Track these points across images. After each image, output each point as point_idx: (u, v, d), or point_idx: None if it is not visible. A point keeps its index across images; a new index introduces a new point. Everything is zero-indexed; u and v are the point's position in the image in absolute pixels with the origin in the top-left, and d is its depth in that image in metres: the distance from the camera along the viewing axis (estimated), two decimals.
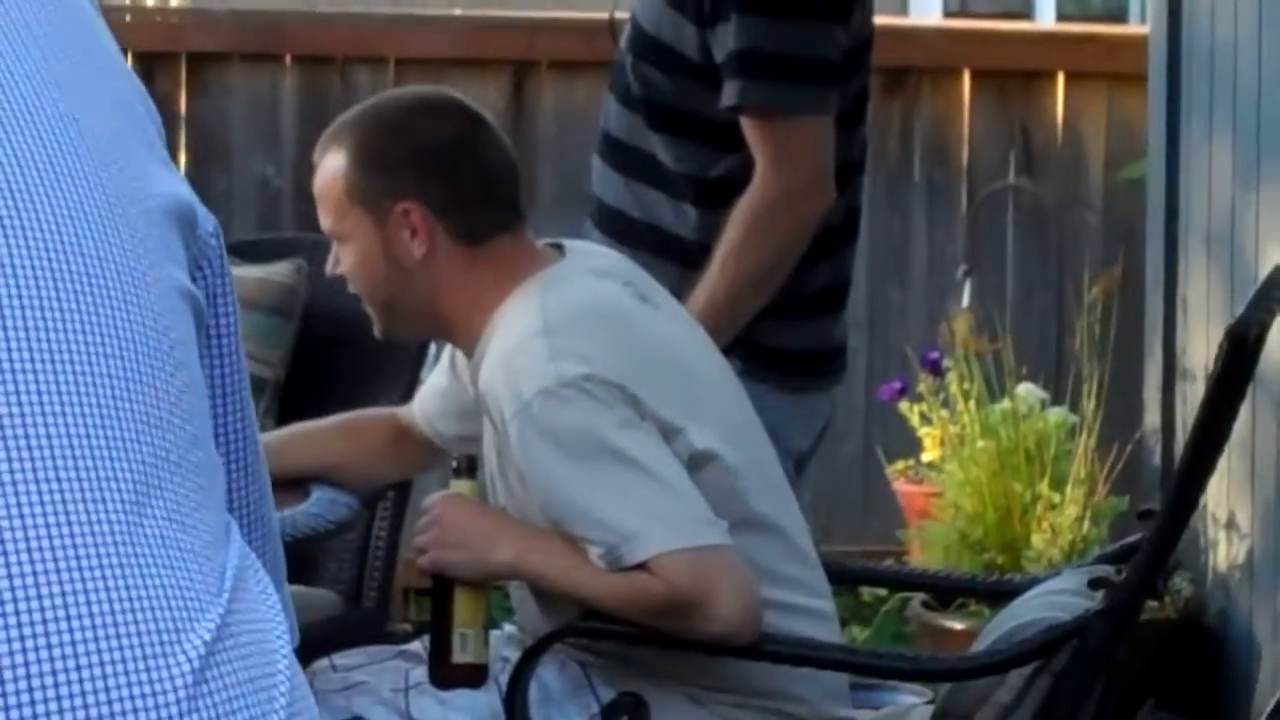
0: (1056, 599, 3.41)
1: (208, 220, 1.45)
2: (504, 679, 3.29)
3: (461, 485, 3.40)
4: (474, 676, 3.35)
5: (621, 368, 3.24)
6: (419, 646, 3.53)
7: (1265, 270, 4.25)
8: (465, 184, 3.42)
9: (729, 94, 3.96)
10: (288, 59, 6.86)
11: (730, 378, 3.52)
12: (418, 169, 3.40)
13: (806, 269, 4.11)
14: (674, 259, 4.01)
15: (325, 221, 3.43)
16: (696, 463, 3.25)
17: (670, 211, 4.09)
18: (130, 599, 1.22)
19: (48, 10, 1.40)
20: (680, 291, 3.79)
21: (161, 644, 1.22)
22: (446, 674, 3.36)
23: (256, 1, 7.97)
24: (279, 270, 4.79)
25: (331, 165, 3.41)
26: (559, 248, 3.53)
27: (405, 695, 3.30)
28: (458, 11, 7.67)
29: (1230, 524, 5.42)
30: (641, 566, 3.16)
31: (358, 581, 4.60)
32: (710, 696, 3.33)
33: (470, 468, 3.40)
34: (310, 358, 4.69)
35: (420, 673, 3.37)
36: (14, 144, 1.29)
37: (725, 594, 3.16)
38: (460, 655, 3.36)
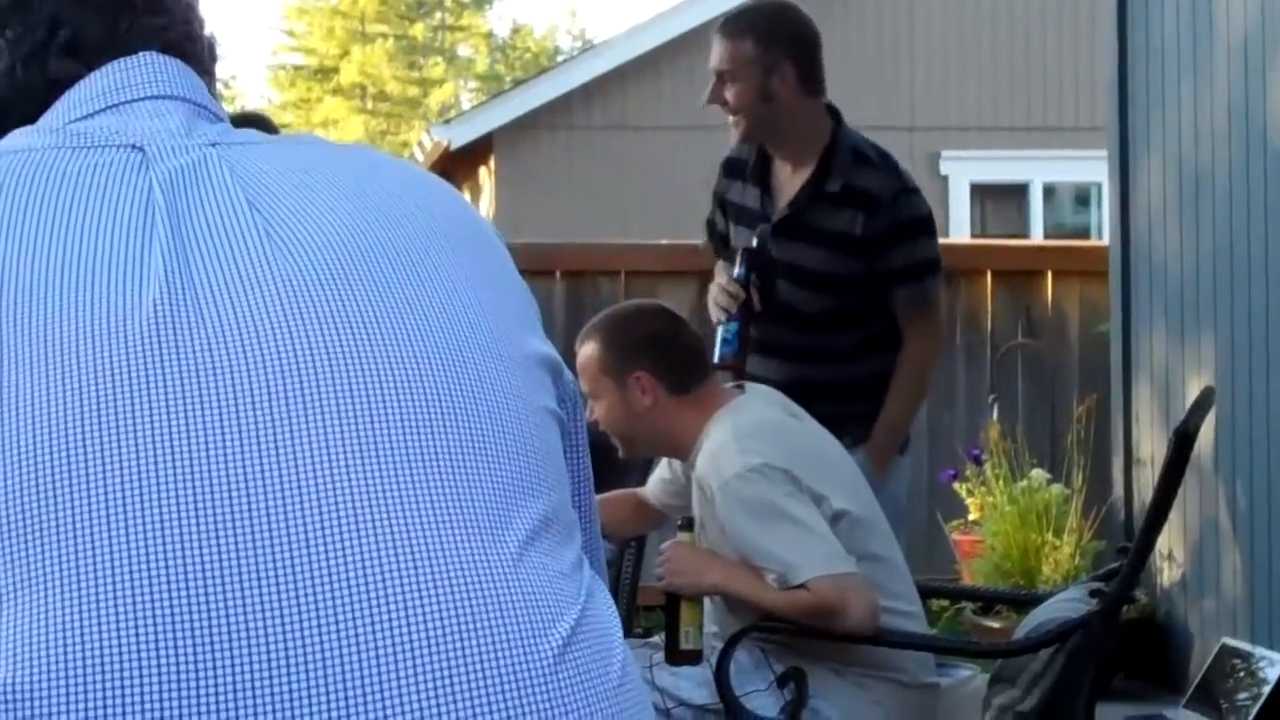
0: (1068, 604, 3.38)
1: (569, 374, 1.44)
2: (713, 659, 3.29)
3: (684, 535, 3.40)
4: (694, 658, 3.35)
5: (784, 458, 3.24)
6: (657, 640, 3.53)
7: (1191, 395, 4.23)
8: (673, 357, 3.43)
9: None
10: (558, 274, 6.92)
11: (851, 463, 3.50)
12: (643, 351, 3.42)
13: None
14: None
15: (584, 386, 3.43)
16: (835, 518, 3.25)
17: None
18: (521, 595, 1.19)
19: (478, 242, 1.40)
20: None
21: (543, 623, 1.19)
22: (677, 657, 3.35)
23: (537, 237, 8.10)
24: None
25: (588, 350, 3.44)
26: (741, 387, 3.55)
27: (650, 670, 3.30)
28: (664, 240, 7.72)
29: (1170, 557, 5.37)
30: (800, 586, 3.16)
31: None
32: (847, 670, 3.30)
33: (689, 524, 3.40)
34: None
35: (659, 656, 3.37)
36: (445, 316, 1.29)
37: (855, 603, 3.16)
38: (685, 644, 3.36)
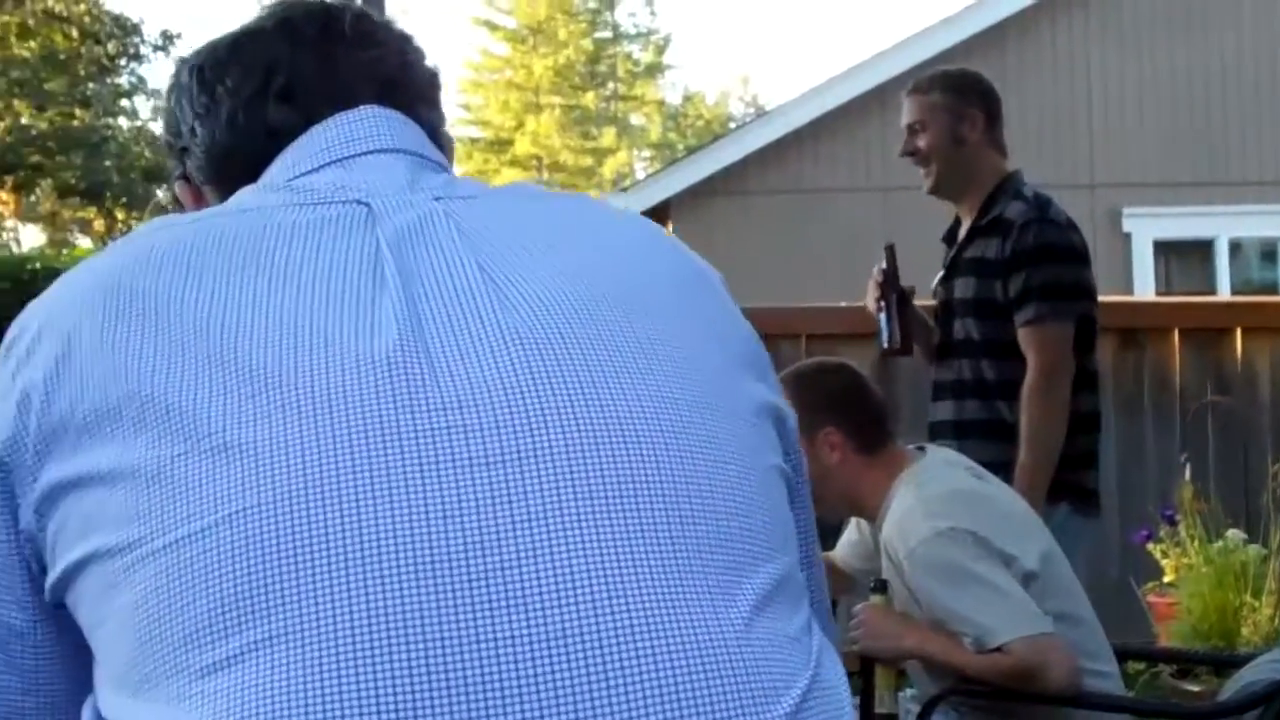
0: (1272, 666, 3.31)
1: (792, 420, 1.41)
2: None
3: (877, 599, 3.38)
4: None
5: (971, 521, 3.21)
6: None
7: None
8: (860, 414, 3.44)
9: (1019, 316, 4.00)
10: None
11: (1037, 520, 3.44)
12: (831, 407, 3.43)
13: (1096, 437, 4.06)
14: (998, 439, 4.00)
15: None
16: (1027, 578, 3.20)
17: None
18: (752, 662, 1.18)
19: (701, 290, 1.39)
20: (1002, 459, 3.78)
21: (775, 690, 1.18)
22: None
23: None
24: None
25: None
26: (922, 449, 3.53)
27: None
28: (843, 303, 7.69)
29: None
30: (997, 649, 3.12)
31: None
32: None
33: (882, 586, 3.38)
34: None
35: None
36: (672, 375, 1.27)
37: (1055, 664, 3.11)
38: (880, 708, 3.35)
